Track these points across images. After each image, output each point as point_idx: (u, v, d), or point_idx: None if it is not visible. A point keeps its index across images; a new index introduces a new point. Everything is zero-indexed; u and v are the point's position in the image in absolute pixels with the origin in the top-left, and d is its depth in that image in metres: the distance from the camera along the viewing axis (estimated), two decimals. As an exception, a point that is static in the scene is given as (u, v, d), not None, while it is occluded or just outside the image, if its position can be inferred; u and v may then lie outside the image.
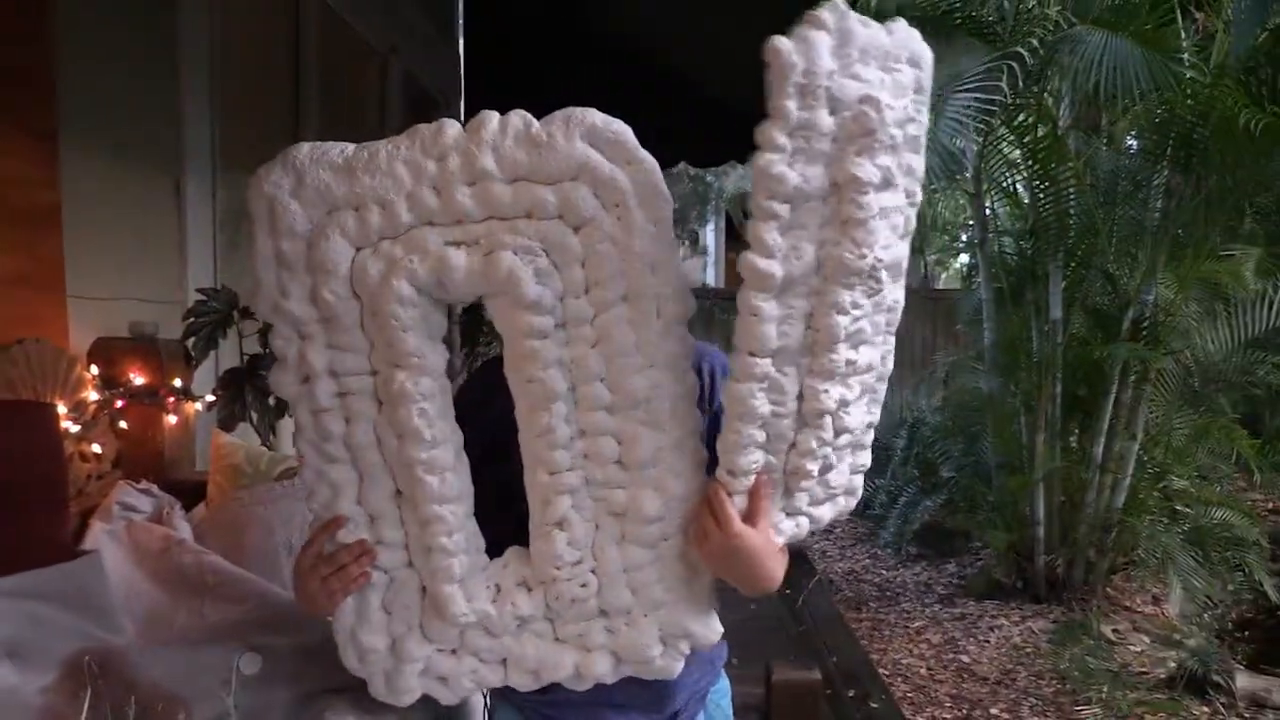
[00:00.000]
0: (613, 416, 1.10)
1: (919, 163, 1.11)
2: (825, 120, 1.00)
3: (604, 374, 1.09)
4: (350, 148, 1.10)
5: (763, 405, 1.06)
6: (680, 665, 1.22)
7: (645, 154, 1.06)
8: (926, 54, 1.11)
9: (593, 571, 1.15)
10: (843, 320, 1.05)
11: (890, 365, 1.19)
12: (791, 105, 0.99)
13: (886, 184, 1.04)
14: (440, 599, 1.17)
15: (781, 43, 0.98)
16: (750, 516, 1.11)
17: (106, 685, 1.46)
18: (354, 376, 1.13)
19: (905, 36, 1.09)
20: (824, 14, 1.01)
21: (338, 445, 1.15)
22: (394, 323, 1.08)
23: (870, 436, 1.21)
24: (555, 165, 1.04)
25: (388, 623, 1.22)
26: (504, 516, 1.19)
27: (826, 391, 1.07)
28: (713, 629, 1.22)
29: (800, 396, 1.08)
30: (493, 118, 1.06)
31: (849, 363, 1.08)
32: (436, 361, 1.12)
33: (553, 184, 1.05)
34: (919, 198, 1.14)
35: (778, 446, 1.10)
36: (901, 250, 1.11)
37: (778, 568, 1.17)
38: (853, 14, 1.03)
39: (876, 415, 1.19)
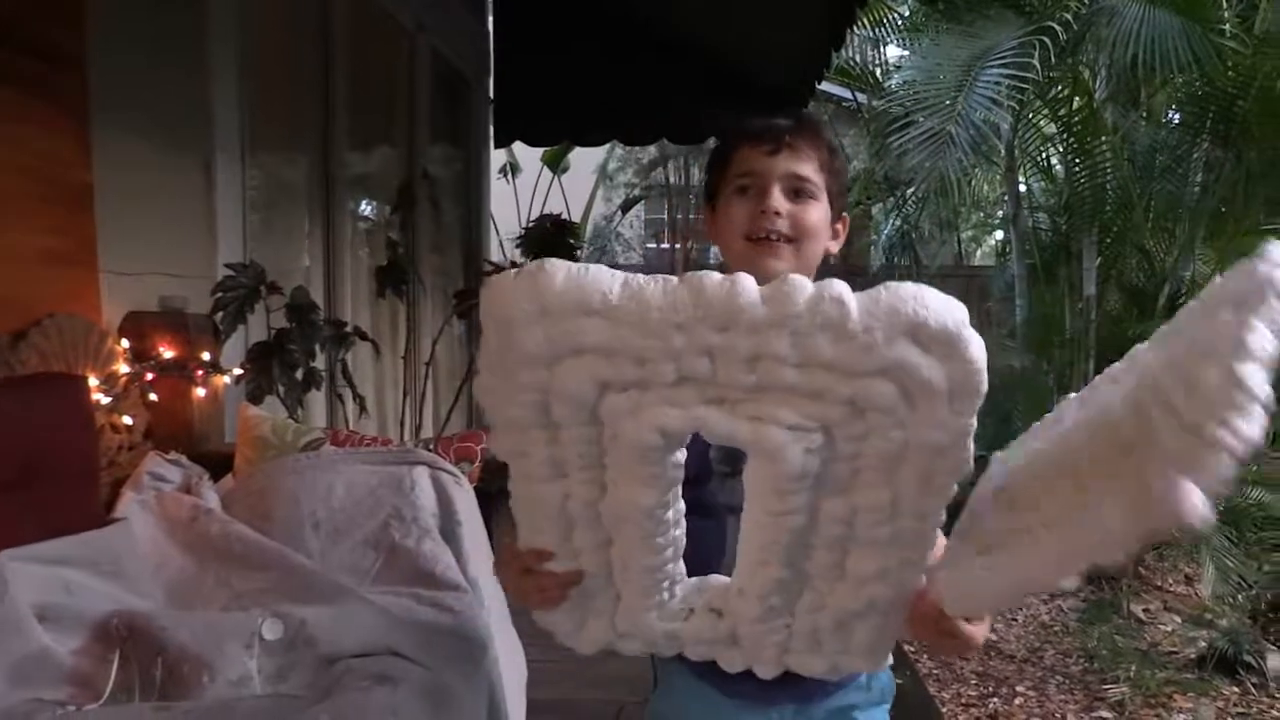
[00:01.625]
0: (843, 543, 1.00)
1: None
2: None
3: (847, 519, 0.97)
4: (614, 286, 0.90)
5: None
6: None
7: (976, 346, 0.87)
8: None
9: (786, 626, 1.09)
10: None
11: None
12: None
13: None
14: (635, 618, 1.11)
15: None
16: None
17: (134, 648, 1.50)
18: (581, 470, 1.00)
19: None
20: None
21: (550, 508, 1.04)
22: (637, 456, 0.96)
23: None
24: (864, 364, 0.86)
25: (579, 612, 1.20)
26: (705, 525, 1.14)
27: None
28: (881, 666, 1.17)
29: None
30: (803, 293, 0.86)
31: None
32: (674, 473, 1.00)
33: (853, 378, 0.88)
34: None
35: None
36: None
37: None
38: None
39: None
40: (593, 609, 1.14)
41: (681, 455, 1.00)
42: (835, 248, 1.28)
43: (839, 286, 0.86)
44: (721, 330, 0.88)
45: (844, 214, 1.28)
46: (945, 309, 0.86)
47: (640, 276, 0.92)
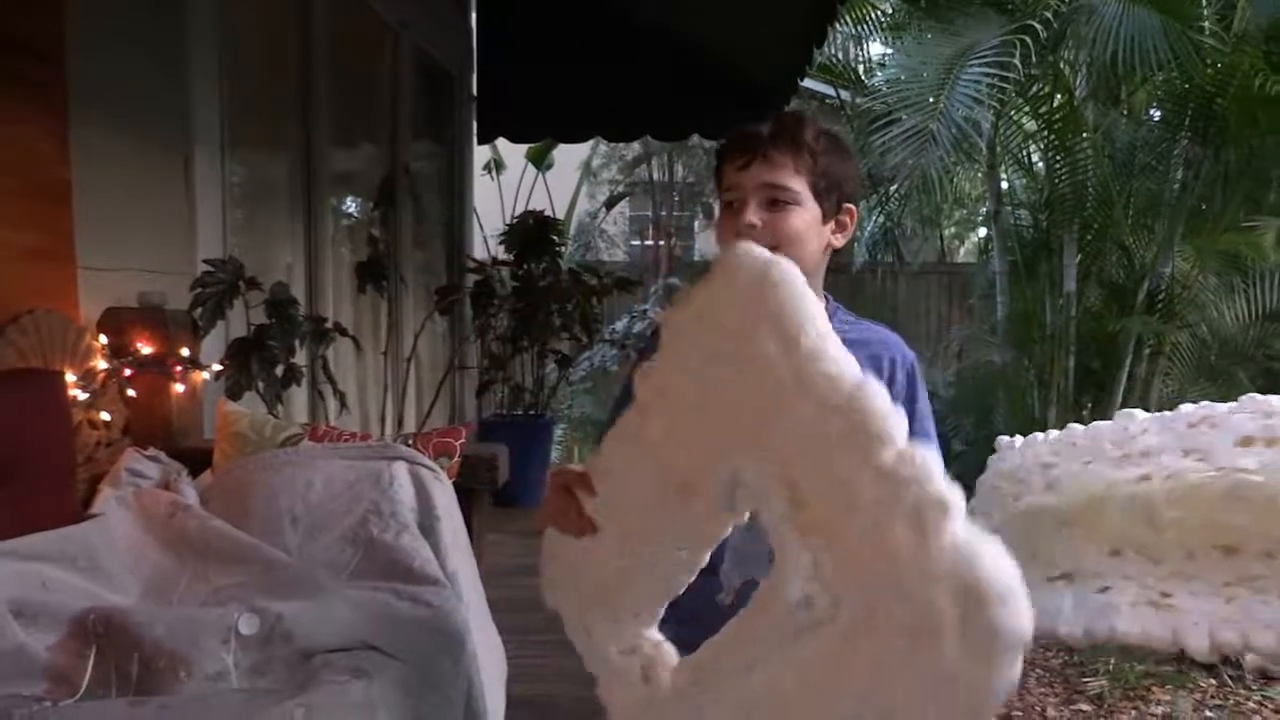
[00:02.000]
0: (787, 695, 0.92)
1: None
2: None
3: (807, 681, 0.89)
4: (808, 327, 0.92)
5: None
6: None
7: (1006, 658, 0.77)
8: None
9: None
10: None
11: None
12: None
13: None
14: (595, 613, 1.13)
15: None
16: None
17: (110, 643, 1.50)
18: (670, 432, 1.05)
19: None
20: None
21: (633, 447, 1.08)
22: (691, 480, 1.01)
23: None
24: (911, 572, 0.80)
25: (571, 557, 1.19)
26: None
27: None
28: None
29: None
30: (927, 470, 0.81)
31: None
32: (710, 527, 1.04)
33: (893, 577, 0.81)
34: None
35: None
36: None
37: None
38: None
39: None
40: (581, 580, 1.15)
41: (728, 525, 1.01)
42: (839, 242, 1.29)
43: (957, 501, 0.80)
44: (845, 434, 0.85)
45: (848, 205, 1.28)
46: (1006, 594, 0.76)
47: (840, 345, 0.91)
